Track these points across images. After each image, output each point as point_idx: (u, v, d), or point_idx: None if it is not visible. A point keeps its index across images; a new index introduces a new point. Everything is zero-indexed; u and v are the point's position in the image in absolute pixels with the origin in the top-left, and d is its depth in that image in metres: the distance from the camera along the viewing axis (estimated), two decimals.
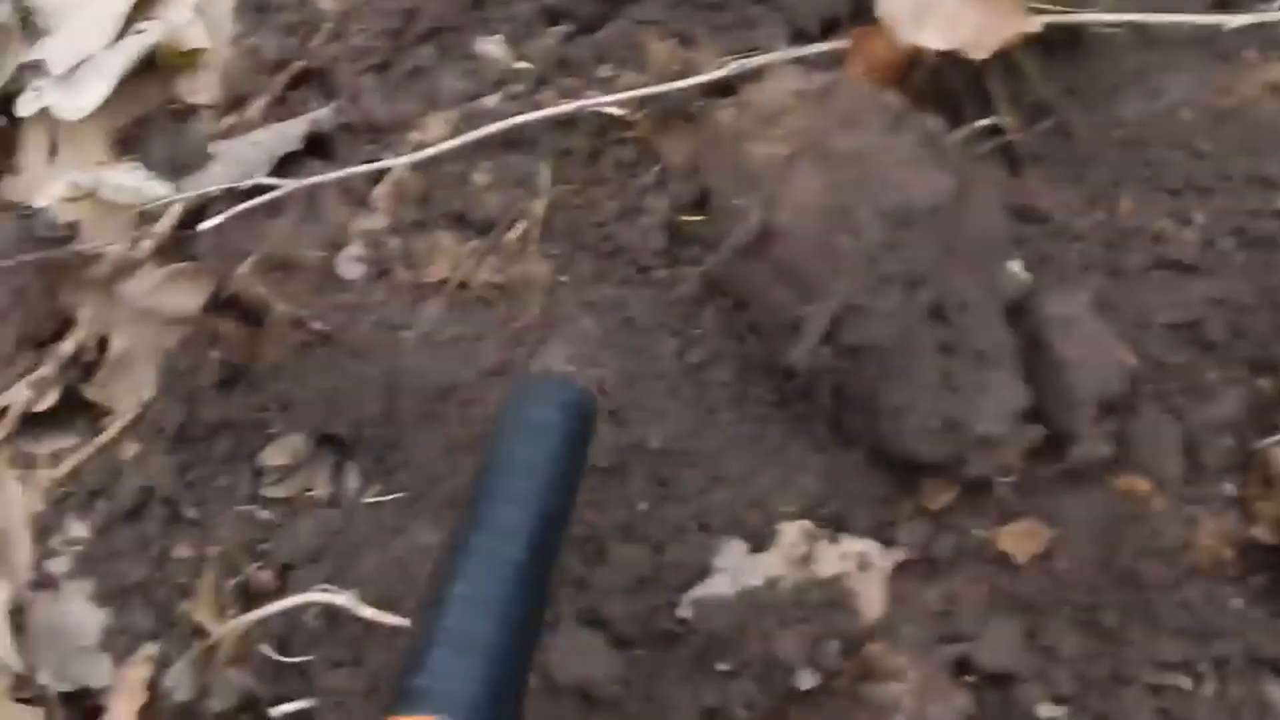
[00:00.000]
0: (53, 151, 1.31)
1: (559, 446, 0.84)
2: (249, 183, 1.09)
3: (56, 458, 1.21)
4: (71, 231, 1.23)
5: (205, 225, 1.08)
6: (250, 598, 1.11)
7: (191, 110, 1.28)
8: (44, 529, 1.18)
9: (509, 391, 0.92)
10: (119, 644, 1.13)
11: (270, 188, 1.07)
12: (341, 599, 1.01)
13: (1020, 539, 1.08)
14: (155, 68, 1.26)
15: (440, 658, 0.71)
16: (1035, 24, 1.04)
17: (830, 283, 0.96)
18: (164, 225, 1.15)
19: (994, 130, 1.18)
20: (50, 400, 1.20)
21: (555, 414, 0.86)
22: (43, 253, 1.19)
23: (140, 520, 1.15)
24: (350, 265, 1.08)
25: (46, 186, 1.26)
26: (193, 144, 1.22)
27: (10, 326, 1.25)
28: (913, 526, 1.08)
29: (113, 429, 1.19)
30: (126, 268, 1.15)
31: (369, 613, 1.01)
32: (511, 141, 1.10)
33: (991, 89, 1.18)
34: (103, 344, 1.22)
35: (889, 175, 0.94)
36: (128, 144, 1.28)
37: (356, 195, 1.10)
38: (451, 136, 1.09)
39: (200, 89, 1.26)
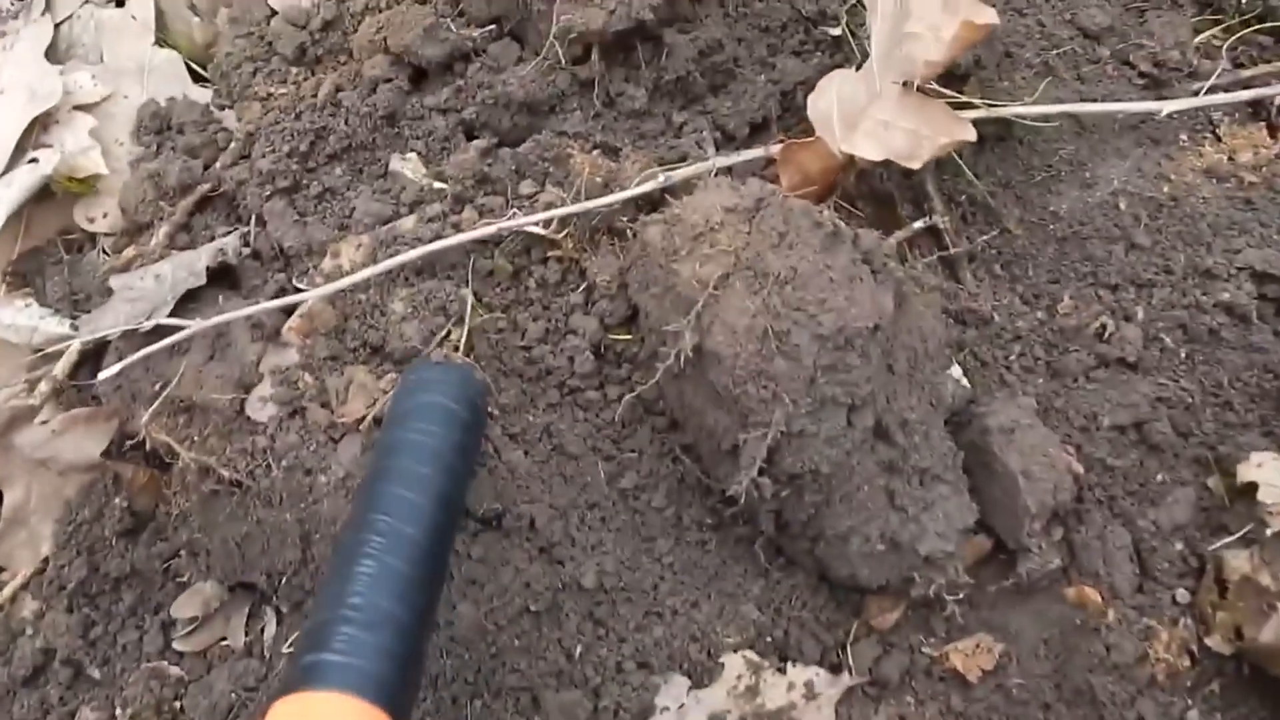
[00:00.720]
0: None
1: (452, 430, 0.88)
2: (150, 323, 1.04)
3: None
4: None
5: (106, 374, 1.02)
6: None
7: (90, 239, 1.23)
8: None
9: (403, 378, 0.95)
10: None
11: (173, 329, 1.02)
12: None
13: (970, 656, 1.07)
14: (50, 195, 1.20)
15: (347, 634, 0.73)
16: (970, 132, 1.03)
17: (768, 408, 0.93)
18: (62, 366, 1.09)
19: (931, 230, 1.17)
20: None
21: (448, 399, 0.90)
22: None
23: (42, 684, 1.09)
24: (261, 406, 1.04)
25: None
26: (91, 276, 1.17)
27: None
28: (860, 649, 1.06)
29: (9, 588, 1.12)
30: (20, 417, 1.09)
31: None
32: (430, 266, 1.07)
33: (927, 188, 1.17)
34: None
35: (826, 296, 0.92)
36: (21, 278, 1.22)
37: (267, 330, 1.06)
38: (366, 263, 1.05)
39: (98, 217, 1.21)
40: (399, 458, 0.85)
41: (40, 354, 1.13)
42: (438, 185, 1.13)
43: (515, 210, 1.08)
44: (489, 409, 0.99)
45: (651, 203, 1.10)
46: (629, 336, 1.08)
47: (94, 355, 1.13)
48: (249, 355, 1.05)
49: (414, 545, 0.80)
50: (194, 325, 1.01)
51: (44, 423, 1.07)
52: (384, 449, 0.88)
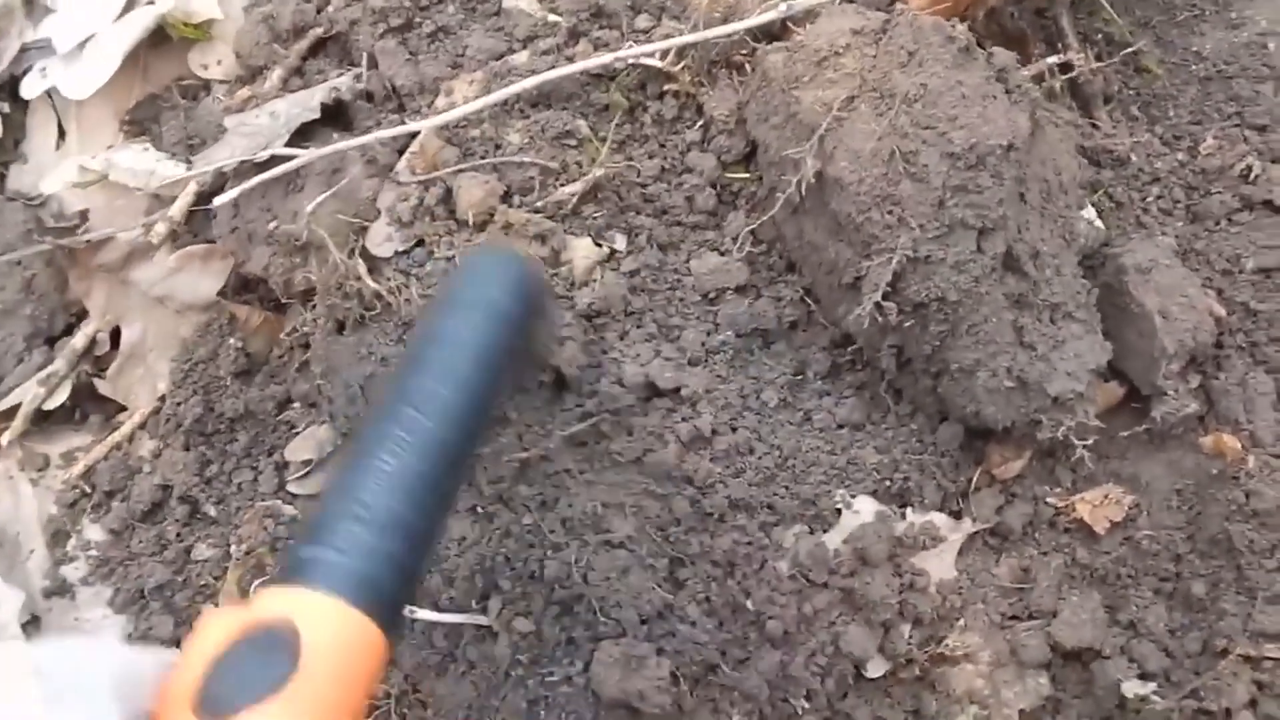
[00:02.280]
0: (60, 136, 1.29)
1: (500, 328, 0.81)
2: (265, 154, 1.05)
3: (70, 458, 1.18)
4: (82, 219, 1.21)
5: (221, 199, 1.04)
6: None
7: (204, 86, 1.25)
8: (58, 533, 1.15)
9: (457, 266, 0.90)
10: None
11: (288, 158, 1.03)
12: None
13: (1098, 507, 1.05)
14: (165, 42, 1.23)
15: (353, 533, 0.67)
16: None
17: (893, 234, 0.92)
18: (179, 206, 1.11)
19: (1064, 68, 1.13)
20: (61, 397, 1.18)
21: (496, 291, 0.82)
22: (52, 241, 1.15)
23: (159, 520, 1.12)
24: (382, 242, 1.04)
25: (54, 173, 1.24)
26: (206, 121, 1.19)
27: (19, 321, 1.23)
28: (981, 498, 1.04)
29: (127, 425, 1.16)
30: (138, 253, 1.12)
31: (421, 614, 0.98)
32: (545, 98, 1.07)
33: (1062, 24, 1.14)
34: (115, 336, 1.20)
35: (958, 113, 0.90)
36: (139, 125, 1.25)
37: (381, 166, 1.06)
38: (480, 98, 1.04)
39: (213, 63, 1.23)
40: (440, 349, 0.78)
41: (158, 194, 1.15)
42: (551, 19, 1.12)
43: (630, 43, 1.07)
44: (544, 304, 0.92)
45: (771, 35, 1.08)
46: (746, 175, 1.07)
47: (209, 199, 1.15)
48: (364, 191, 1.06)
49: (440, 447, 0.73)
50: (308, 154, 1.03)
51: (161, 261, 1.10)
52: (425, 338, 0.81)
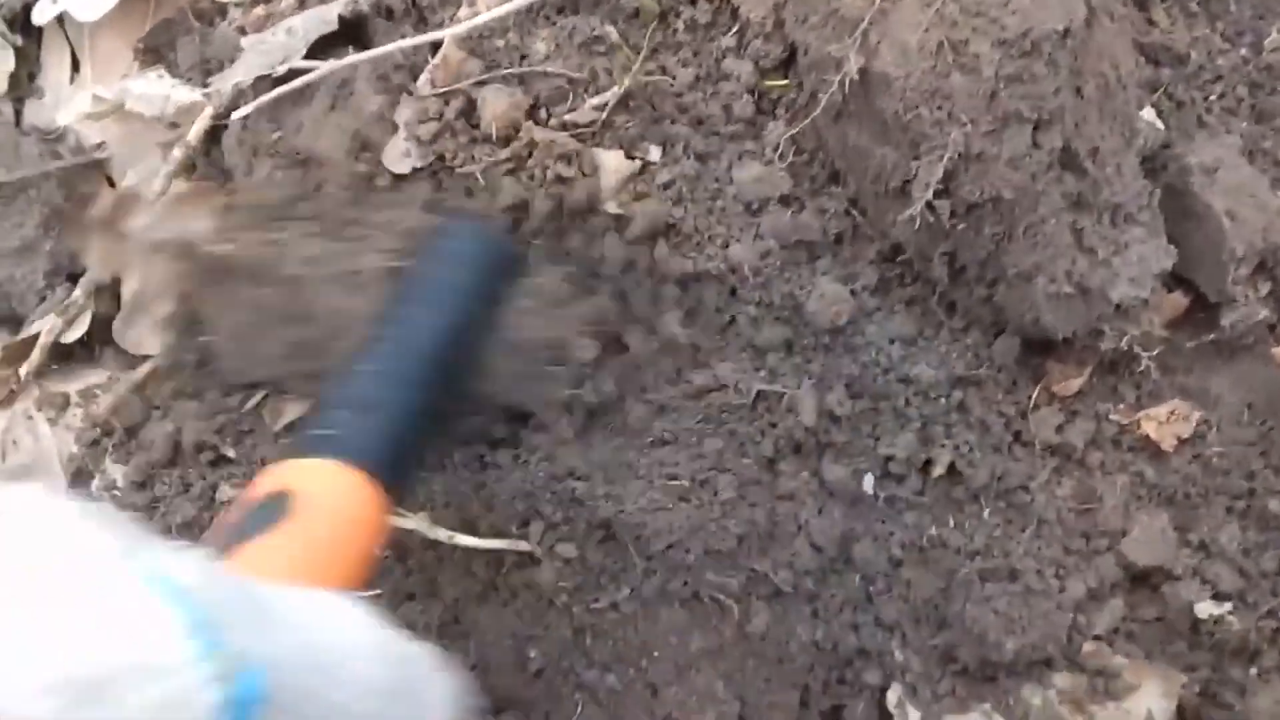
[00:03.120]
0: (75, 69, 1.26)
1: (471, 274, 0.93)
2: (283, 68, 1.02)
3: (89, 395, 1.16)
4: (99, 150, 1.18)
5: (238, 114, 1.01)
6: None
7: (220, 11, 1.21)
8: (80, 472, 1.13)
9: (433, 226, 0.97)
10: None
11: (305, 70, 1.00)
12: (410, 522, 0.94)
13: (1165, 424, 1.01)
14: None
15: (342, 416, 0.80)
16: None
17: (943, 131, 0.88)
18: (194, 131, 1.08)
19: None
20: (80, 329, 1.15)
21: (471, 246, 0.95)
22: (67, 169, 1.13)
23: (181, 462, 1.09)
24: (400, 159, 1.01)
25: (69, 105, 1.22)
26: (222, 43, 1.16)
27: (40, 258, 1.20)
28: (1041, 416, 1.00)
29: (145, 366, 1.13)
30: (125, 202, 1.09)
31: (443, 534, 0.95)
32: (573, 4, 1.03)
33: None
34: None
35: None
36: (154, 52, 1.22)
37: (393, 84, 1.03)
38: (504, 4, 1.00)
39: None
40: (416, 287, 0.91)
41: (175, 123, 1.12)
42: None
43: None
44: (511, 260, 0.98)
45: None
46: (785, 82, 1.03)
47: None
48: (370, 105, 1.02)
49: (417, 352, 0.86)
50: (327, 65, 0.99)
51: (152, 207, 1.06)
52: (405, 281, 0.92)
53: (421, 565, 1.00)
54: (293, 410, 1.08)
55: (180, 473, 1.10)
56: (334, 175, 1.03)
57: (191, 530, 1.07)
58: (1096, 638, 0.97)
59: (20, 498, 0.46)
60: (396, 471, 0.79)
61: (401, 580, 1.01)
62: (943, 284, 0.98)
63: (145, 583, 0.43)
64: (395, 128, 1.03)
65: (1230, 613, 0.95)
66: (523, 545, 0.95)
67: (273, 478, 0.74)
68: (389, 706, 0.56)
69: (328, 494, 0.74)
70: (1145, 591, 0.99)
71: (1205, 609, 0.94)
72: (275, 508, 0.70)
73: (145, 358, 1.15)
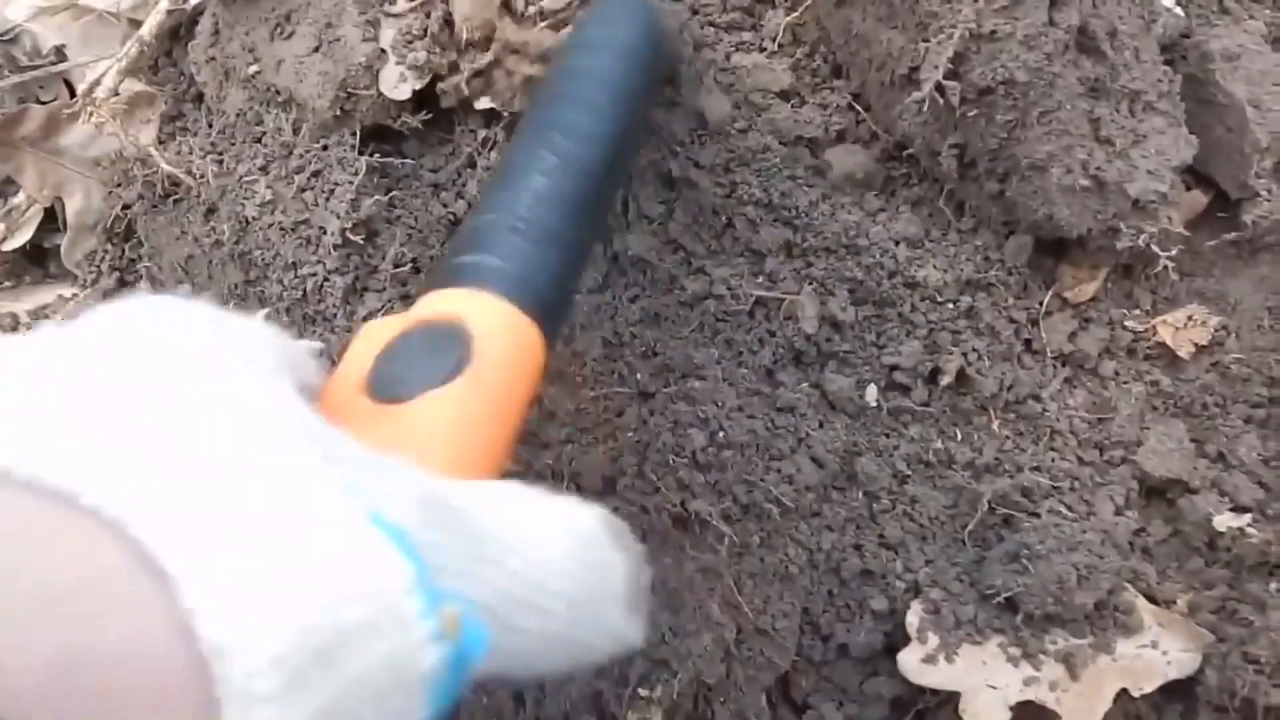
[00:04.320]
0: None
1: (633, 64, 0.85)
2: None
3: (40, 316, 1.12)
4: (58, 54, 1.14)
5: (195, 1, 0.97)
6: None
7: None
8: None
9: (587, 10, 0.92)
10: None
11: None
12: None
13: (1182, 330, 0.98)
14: None
15: (513, 243, 0.71)
16: None
17: (953, 9, 0.84)
18: (148, 27, 1.03)
19: None
20: (24, 237, 1.12)
21: (624, 31, 0.86)
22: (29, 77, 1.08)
23: None
24: (397, 85, 0.96)
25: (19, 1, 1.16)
26: None
27: None
28: (1053, 323, 0.97)
29: (92, 289, 1.09)
30: (54, 119, 1.04)
31: None
32: None
33: None
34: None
35: None
36: None
37: (381, 28, 0.98)
38: None
39: None
40: (576, 83, 0.82)
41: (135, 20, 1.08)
42: None
43: None
44: (674, 47, 0.94)
45: None
46: None
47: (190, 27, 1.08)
48: (357, 57, 0.97)
49: (587, 168, 0.78)
50: None
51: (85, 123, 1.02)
52: (559, 75, 0.85)
53: None
54: None
55: None
56: (313, 120, 0.99)
57: None
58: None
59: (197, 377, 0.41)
60: (558, 320, 0.74)
61: None
62: (951, 180, 0.94)
63: (371, 523, 0.38)
64: (384, 53, 0.99)
65: (1250, 524, 0.91)
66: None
67: (442, 304, 0.67)
68: (581, 615, 0.50)
69: (507, 341, 0.66)
70: (1161, 506, 0.95)
71: (1223, 522, 0.91)
72: (452, 346, 0.62)
73: (96, 279, 1.11)
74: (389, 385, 0.59)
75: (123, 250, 1.11)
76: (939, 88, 0.84)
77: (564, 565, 0.49)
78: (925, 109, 0.86)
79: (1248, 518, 0.92)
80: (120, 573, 0.32)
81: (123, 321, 0.44)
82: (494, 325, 0.65)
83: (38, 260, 1.16)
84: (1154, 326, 0.98)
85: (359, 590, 0.36)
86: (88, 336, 0.43)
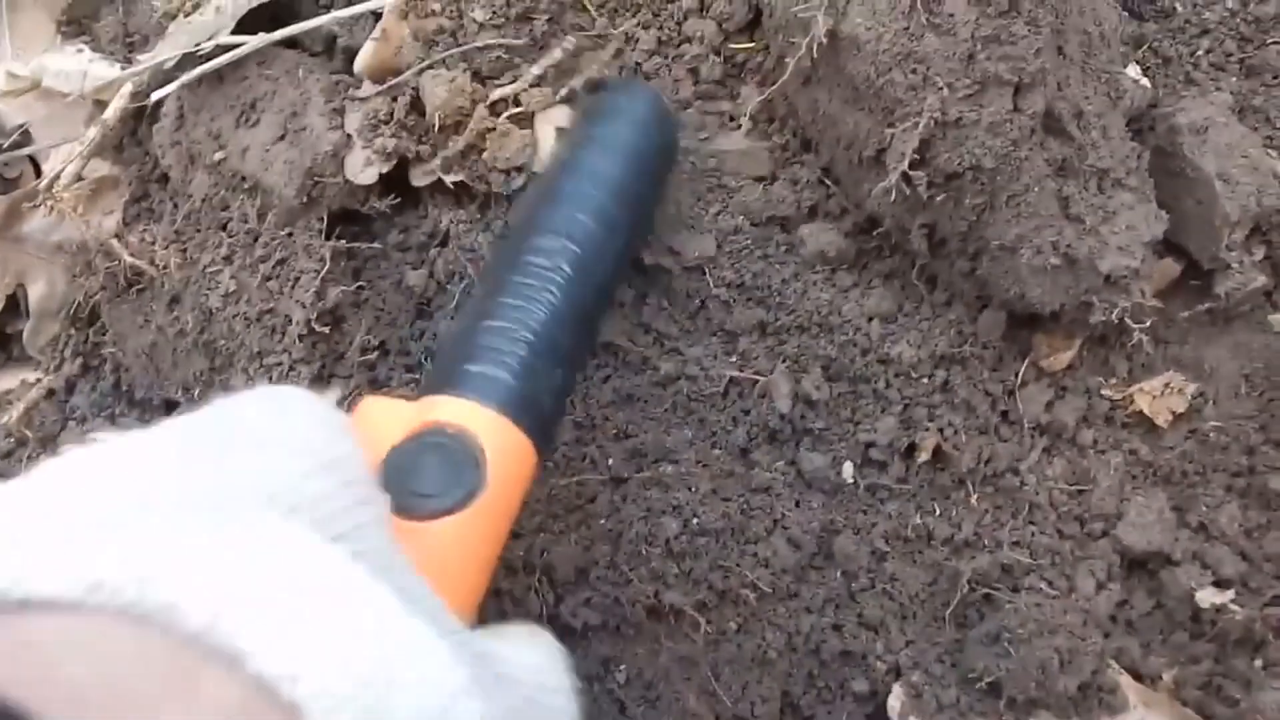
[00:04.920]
0: None
1: (637, 160, 0.85)
2: (210, 44, 0.97)
3: (2, 402, 1.11)
4: (23, 138, 1.14)
5: (161, 93, 0.97)
6: None
7: None
8: None
9: (585, 102, 0.92)
10: None
11: (233, 46, 0.96)
12: None
13: (1159, 398, 0.98)
14: None
15: (524, 359, 0.72)
16: None
17: (918, 96, 0.84)
18: (112, 110, 1.03)
19: None
20: None
21: (632, 126, 0.87)
22: None
23: None
24: (363, 169, 0.96)
25: None
26: (147, 16, 1.11)
27: None
28: (1029, 393, 0.97)
29: (54, 376, 1.09)
30: (16, 207, 1.04)
31: None
32: None
33: None
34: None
35: None
36: (77, 24, 1.18)
37: (346, 116, 0.99)
38: None
39: None
40: (579, 181, 0.83)
41: (100, 101, 1.08)
42: None
43: None
44: (677, 138, 0.94)
45: None
46: (751, 45, 0.99)
47: (157, 107, 1.08)
48: (324, 145, 0.97)
49: (599, 284, 0.79)
50: (256, 39, 0.95)
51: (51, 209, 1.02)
52: (564, 171, 0.85)
53: None
54: None
55: None
56: (278, 209, 0.99)
57: None
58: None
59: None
60: (553, 437, 0.76)
61: None
62: (923, 258, 0.94)
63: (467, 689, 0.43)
64: (350, 138, 0.99)
65: (1233, 600, 0.92)
66: None
67: (451, 411, 0.68)
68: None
69: (513, 466, 0.68)
70: (1143, 578, 0.96)
71: (1206, 598, 0.91)
72: (467, 469, 0.65)
73: (60, 365, 1.11)
74: (403, 495, 0.60)
75: (87, 335, 1.11)
76: (905, 177, 0.84)
77: (561, 700, 0.56)
78: (894, 195, 0.86)
79: (1230, 593, 0.92)
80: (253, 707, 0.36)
81: (232, 431, 0.48)
82: (505, 451, 0.68)
83: (1, 344, 1.16)
84: (1131, 395, 0.98)
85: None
86: (196, 447, 0.46)
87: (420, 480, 0.63)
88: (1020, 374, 0.98)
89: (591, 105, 0.92)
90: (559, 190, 0.83)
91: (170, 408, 1.09)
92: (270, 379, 0.97)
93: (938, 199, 0.87)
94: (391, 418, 0.66)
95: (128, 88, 1.03)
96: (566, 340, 0.75)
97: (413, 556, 0.53)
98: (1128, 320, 0.91)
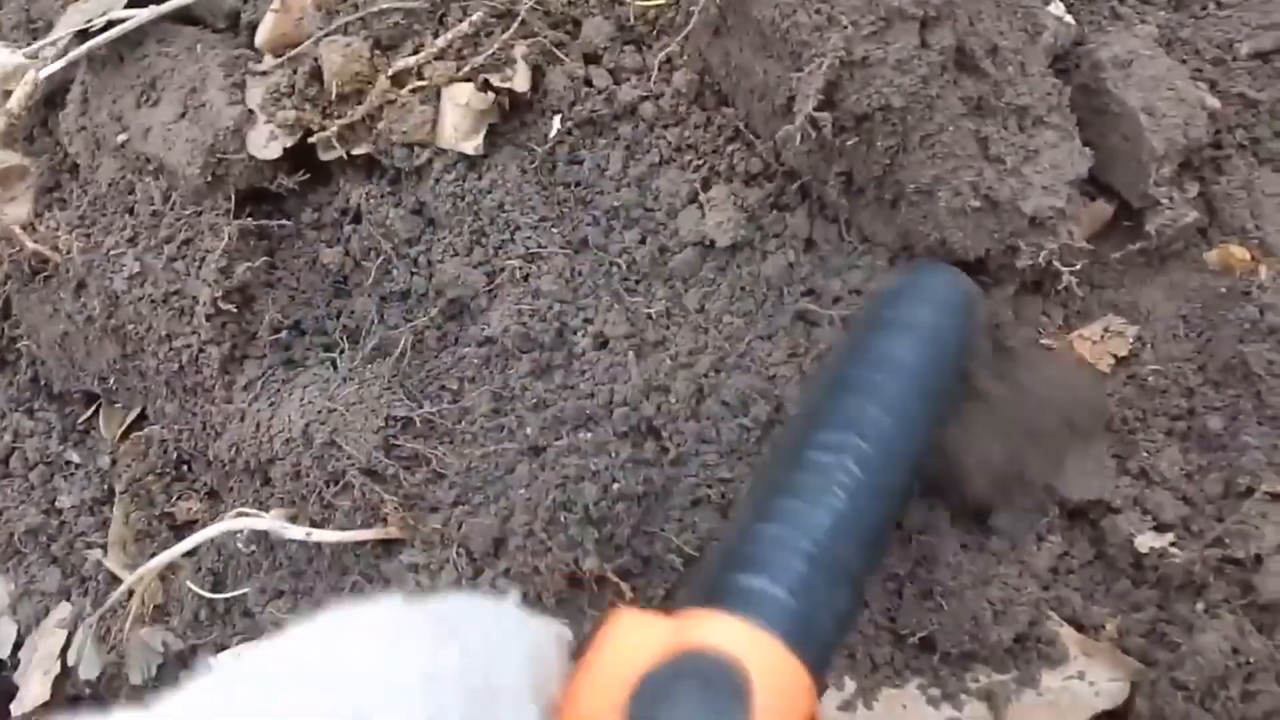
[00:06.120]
0: None
1: (940, 351, 0.76)
2: (102, 19, 0.96)
3: None
4: None
5: (48, 70, 0.96)
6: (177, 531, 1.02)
7: None
8: None
9: (892, 285, 0.84)
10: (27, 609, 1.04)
11: (125, 19, 0.95)
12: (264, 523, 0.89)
13: (1099, 343, 0.96)
14: None
15: (804, 575, 0.63)
16: None
17: (823, 37, 0.82)
18: (17, 98, 1.02)
19: None
20: None
21: (936, 313, 0.78)
22: None
23: (21, 469, 1.05)
24: (266, 144, 0.95)
25: None
26: (51, 3, 1.10)
27: None
28: None
29: None
30: None
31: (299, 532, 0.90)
32: None
33: None
34: None
35: None
36: None
37: (247, 90, 0.98)
38: None
39: None
40: (881, 372, 0.74)
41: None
42: None
43: None
44: (978, 327, 0.85)
45: None
46: (661, 2, 0.98)
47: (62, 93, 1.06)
48: (224, 120, 0.96)
49: (888, 486, 0.70)
50: (146, 11, 0.94)
51: None
52: (862, 359, 0.76)
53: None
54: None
55: (20, 481, 1.06)
56: (183, 189, 0.98)
57: (36, 537, 1.03)
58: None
59: None
60: (830, 665, 0.67)
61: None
62: (844, 210, 0.93)
63: None
64: (252, 113, 0.97)
65: (1173, 544, 0.90)
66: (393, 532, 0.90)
67: (715, 632, 0.60)
68: None
69: (786, 701, 0.59)
70: (1084, 528, 0.94)
71: (1145, 542, 0.90)
72: (732, 702, 0.56)
73: None
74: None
75: (1, 329, 1.10)
76: (812, 120, 0.83)
77: None
78: (802, 140, 0.84)
79: (1170, 536, 0.90)
80: None
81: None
82: (778, 684, 0.59)
83: None
84: (1070, 342, 0.96)
85: None
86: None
87: (675, 712, 0.56)
88: None
89: (886, 286, 0.85)
90: (846, 378, 0.76)
91: (90, 400, 1.08)
92: (181, 363, 0.96)
93: (849, 143, 0.86)
94: (647, 636, 0.59)
95: (31, 74, 1.01)
96: (852, 554, 0.66)
97: None
98: (1057, 264, 0.90)
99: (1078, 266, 0.91)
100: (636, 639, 0.59)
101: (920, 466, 0.74)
